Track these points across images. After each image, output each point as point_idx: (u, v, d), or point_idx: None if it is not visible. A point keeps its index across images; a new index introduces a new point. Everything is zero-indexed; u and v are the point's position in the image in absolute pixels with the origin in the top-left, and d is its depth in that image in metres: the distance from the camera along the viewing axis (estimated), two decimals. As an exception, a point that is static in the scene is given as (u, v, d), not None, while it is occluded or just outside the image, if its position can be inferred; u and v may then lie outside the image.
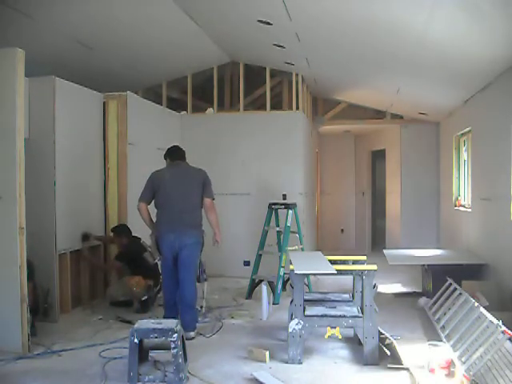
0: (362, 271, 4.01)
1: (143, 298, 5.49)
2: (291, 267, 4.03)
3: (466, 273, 5.48)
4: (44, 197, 5.06)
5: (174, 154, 4.96)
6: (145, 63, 7.14)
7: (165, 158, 5.02)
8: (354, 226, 10.92)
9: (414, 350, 4.13)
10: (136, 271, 5.57)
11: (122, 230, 5.82)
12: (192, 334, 4.57)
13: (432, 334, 4.59)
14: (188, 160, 5.03)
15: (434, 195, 8.93)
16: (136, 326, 3.62)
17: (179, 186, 4.72)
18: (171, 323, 3.66)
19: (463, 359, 3.60)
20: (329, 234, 10.80)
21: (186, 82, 8.01)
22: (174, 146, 5.11)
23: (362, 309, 4.04)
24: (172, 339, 3.52)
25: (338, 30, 5.22)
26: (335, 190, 10.87)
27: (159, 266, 5.24)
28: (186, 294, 4.63)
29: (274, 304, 5.74)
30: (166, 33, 6.19)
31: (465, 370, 3.43)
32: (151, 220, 4.82)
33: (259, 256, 6.40)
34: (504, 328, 3.37)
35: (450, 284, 5.15)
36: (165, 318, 4.57)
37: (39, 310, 4.79)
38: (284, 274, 6.07)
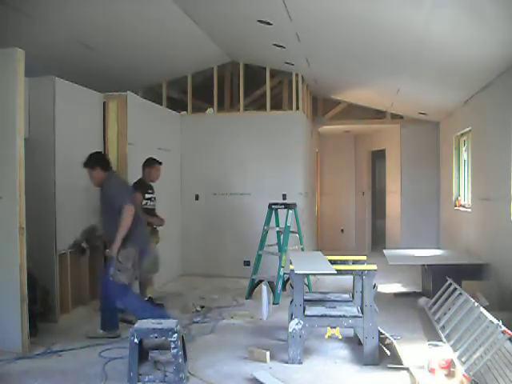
0: (362, 271, 4.01)
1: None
2: (291, 267, 4.04)
3: (465, 273, 5.48)
4: (44, 197, 5.05)
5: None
6: (145, 63, 7.14)
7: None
8: (353, 226, 10.92)
9: (414, 350, 4.14)
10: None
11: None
12: None
13: (432, 334, 4.60)
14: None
15: (434, 195, 8.92)
16: (136, 326, 3.63)
17: None
18: (171, 323, 3.66)
19: (463, 359, 3.60)
20: (329, 233, 10.80)
21: (186, 82, 8.01)
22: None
23: (361, 309, 4.04)
24: (172, 339, 3.52)
25: (338, 30, 5.23)
26: (335, 190, 10.87)
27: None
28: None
29: (274, 304, 5.74)
30: (166, 33, 6.19)
31: (465, 370, 3.43)
32: None
33: (259, 256, 6.40)
34: (504, 328, 3.37)
35: (450, 284, 5.15)
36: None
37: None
38: (284, 274, 6.07)
